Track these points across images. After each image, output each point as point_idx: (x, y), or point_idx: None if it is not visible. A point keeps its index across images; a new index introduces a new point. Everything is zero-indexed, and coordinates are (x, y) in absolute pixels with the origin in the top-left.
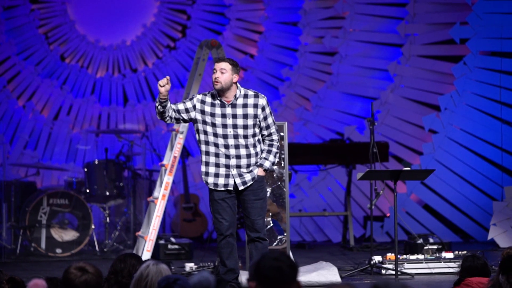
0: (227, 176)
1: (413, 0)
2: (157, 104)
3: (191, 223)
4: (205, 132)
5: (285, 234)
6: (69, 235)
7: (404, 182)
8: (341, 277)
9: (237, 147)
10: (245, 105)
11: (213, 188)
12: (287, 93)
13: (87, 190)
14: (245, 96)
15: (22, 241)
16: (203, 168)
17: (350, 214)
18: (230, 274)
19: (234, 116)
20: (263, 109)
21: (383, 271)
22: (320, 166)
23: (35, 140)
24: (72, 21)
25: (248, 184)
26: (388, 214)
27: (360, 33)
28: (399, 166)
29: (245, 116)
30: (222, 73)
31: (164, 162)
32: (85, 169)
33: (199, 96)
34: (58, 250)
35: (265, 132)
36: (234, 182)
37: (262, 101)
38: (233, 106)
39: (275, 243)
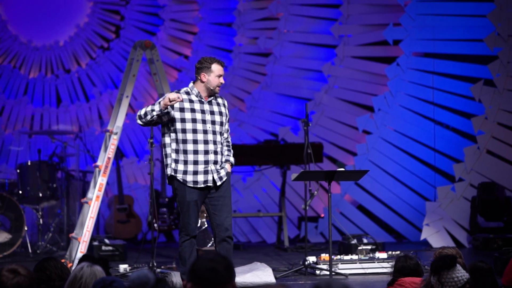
0: (205, 172)
1: (347, 2)
2: (154, 114)
3: (125, 225)
4: (184, 130)
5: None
6: (1, 237)
7: (338, 182)
8: (276, 278)
9: (215, 143)
10: (218, 104)
11: (192, 186)
12: (221, 94)
13: (20, 192)
14: (215, 96)
15: None
16: (180, 167)
17: (285, 215)
18: None
19: (212, 112)
20: (227, 110)
21: (318, 272)
22: (255, 167)
23: None
24: (4, 21)
25: (224, 179)
26: (322, 215)
27: (294, 34)
28: (333, 167)
29: (220, 113)
30: None
31: (98, 163)
32: (18, 170)
33: (180, 94)
34: None
35: (225, 135)
36: (213, 178)
37: (226, 102)
38: (210, 103)
39: (209, 244)
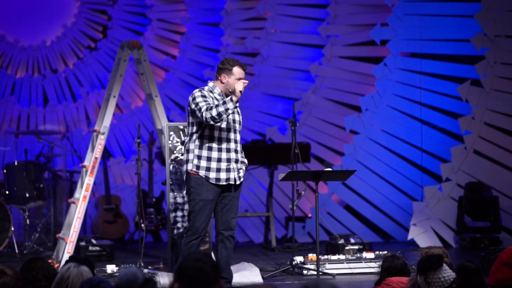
0: (228, 170)
1: (334, 2)
2: (230, 112)
3: (112, 225)
4: (211, 126)
5: (207, 235)
6: None
7: (326, 182)
8: (263, 278)
9: (236, 141)
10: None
11: (214, 183)
12: None
13: (7, 192)
14: None
15: None
16: (203, 163)
17: (272, 214)
18: None
19: (232, 112)
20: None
21: (305, 272)
22: None
23: None
24: None
25: (241, 180)
26: (309, 215)
27: (282, 34)
28: (320, 167)
29: (238, 113)
30: None
31: (85, 163)
32: (5, 171)
33: (206, 92)
34: None
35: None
36: (234, 176)
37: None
38: None
39: None
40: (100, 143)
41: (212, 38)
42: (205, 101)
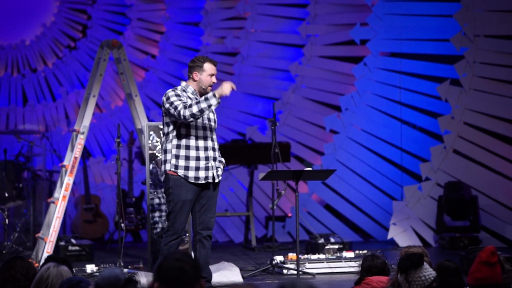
0: (206, 168)
1: (314, 1)
2: (212, 108)
3: (92, 224)
4: (187, 125)
5: (187, 234)
6: None
7: (306, 182)
8: (243, 277)
9: (212, 139)
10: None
11: (193, 182)
12: None
13: None
14: None
15: None
16: (181, 163)
17: (252, 214)
18: None
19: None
20: None
21: (285, 271)
22: None
23: None
24: None
25: (220, 178)
26: (289, 214)
27: (262, 33)
28: (300, 166)
29: (213, 112)
30: None
31: (65, 163)
32: None
33: (179, 92)
34: None
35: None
36: (212, 174)
37: None
38: None
39: None
40: (79, 142)
41: (192, 37)
42: (180, 99)
